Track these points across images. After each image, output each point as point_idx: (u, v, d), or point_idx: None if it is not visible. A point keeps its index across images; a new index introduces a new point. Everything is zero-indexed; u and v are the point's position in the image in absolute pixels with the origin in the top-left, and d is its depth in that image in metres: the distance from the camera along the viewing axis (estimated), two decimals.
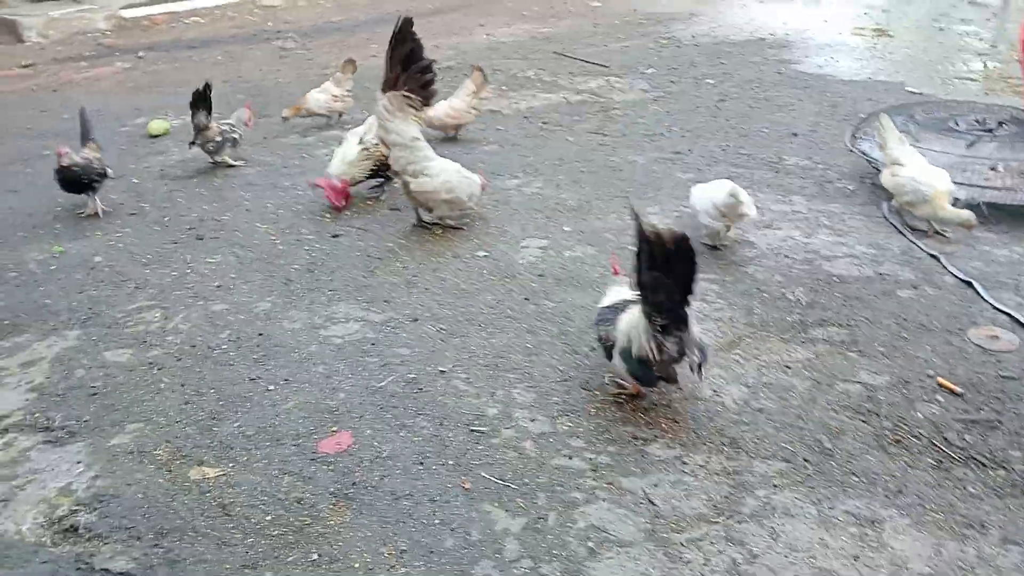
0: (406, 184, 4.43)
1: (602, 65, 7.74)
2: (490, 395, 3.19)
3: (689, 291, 2.73)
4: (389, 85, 4.33)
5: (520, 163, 5.54)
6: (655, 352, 2.82)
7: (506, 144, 5.91)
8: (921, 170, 4.26)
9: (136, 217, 4.87)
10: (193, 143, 5.43)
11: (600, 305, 3.25)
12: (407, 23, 4.33)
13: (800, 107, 6.37)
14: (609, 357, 3.06)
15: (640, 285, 2.79)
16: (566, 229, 4.57)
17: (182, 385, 3.30)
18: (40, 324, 3.79)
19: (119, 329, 3.71)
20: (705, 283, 3.94)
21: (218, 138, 5.41)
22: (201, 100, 5.29)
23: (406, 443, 2.94)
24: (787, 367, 3.33)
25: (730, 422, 3.00)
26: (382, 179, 5.02)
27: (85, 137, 4.98)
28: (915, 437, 2.94)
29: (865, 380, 3.24)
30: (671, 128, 6.09)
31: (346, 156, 4.85)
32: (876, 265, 4.06)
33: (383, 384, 3.28)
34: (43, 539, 2.59)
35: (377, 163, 4.88)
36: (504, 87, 7.24)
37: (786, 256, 4.17)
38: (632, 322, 2.92)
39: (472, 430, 3.00)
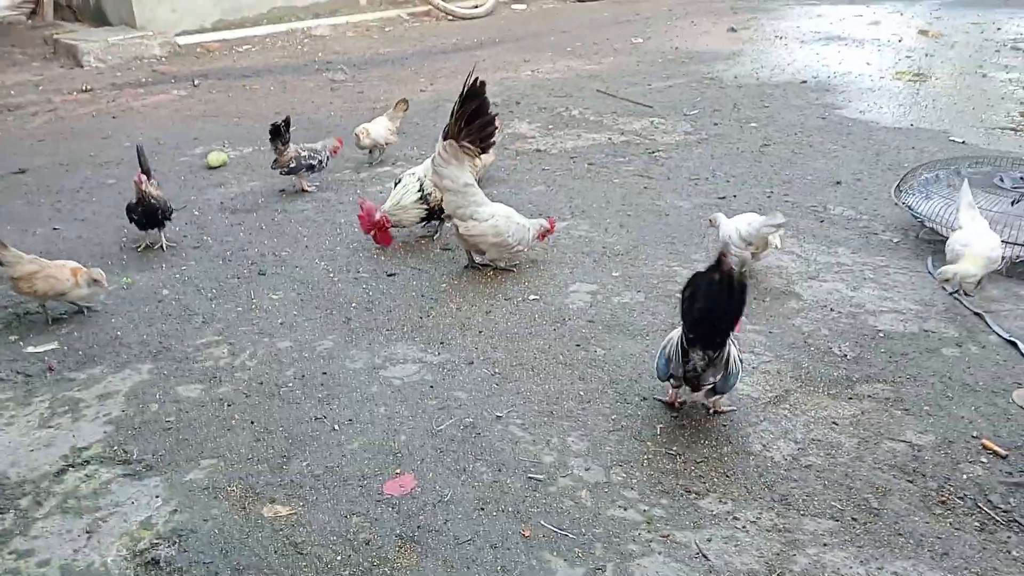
0: (456, 227, 4.60)
1: (646, 105, 7.89)
2: (545, 442, 3.32)
3: (724, 322, 3.05)
4: (451, 135, 4.50)
5: (567, 205, 5.69)
6: (680, 359, 3.18)
7: (553, 185, 6.06)
8: (970, 234, 4.30)
9: (199, 250, 5.07)
10: (273, 165, 5.85)
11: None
12: (479, 85, 4.54)
13: (843, 154, 6.46)
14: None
15: (682, 300, 3.10)
16: (615, 274, 4.70)
17: (252, 422, 3.46)
18: (113, 356, 3.98)
19: (189, 364, 3.89)
20: (753, 334, 4.05)
21: (292, 163, 5.74)
22: (276, 133, 5.70)
23: (467, 488, 3.08)
24: (834, 423, 3.42)
25: (780, 478, 3.10)
26: (438, 220, 5.17)
27: (148, 173, 5.12)
28: (960, 499, 3.02)
29: (911, 439, 3.32)
30: (715, 172, 6.21)
31: (402, 201, 5.01)
32: (921, 321, 4.14)
33: (442, 427, 3.42)
34: (127, 571, 2.74)
35: (428, 211, 5.05)
36: (550, 126, 7.41)
37: (832, 309, 4.27)
38: (677, 332, 3.27)
39: (530, 477, 3.12)
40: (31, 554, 2.82)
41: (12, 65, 10.22)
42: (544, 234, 4.80)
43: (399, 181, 5.14)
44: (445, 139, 4.57)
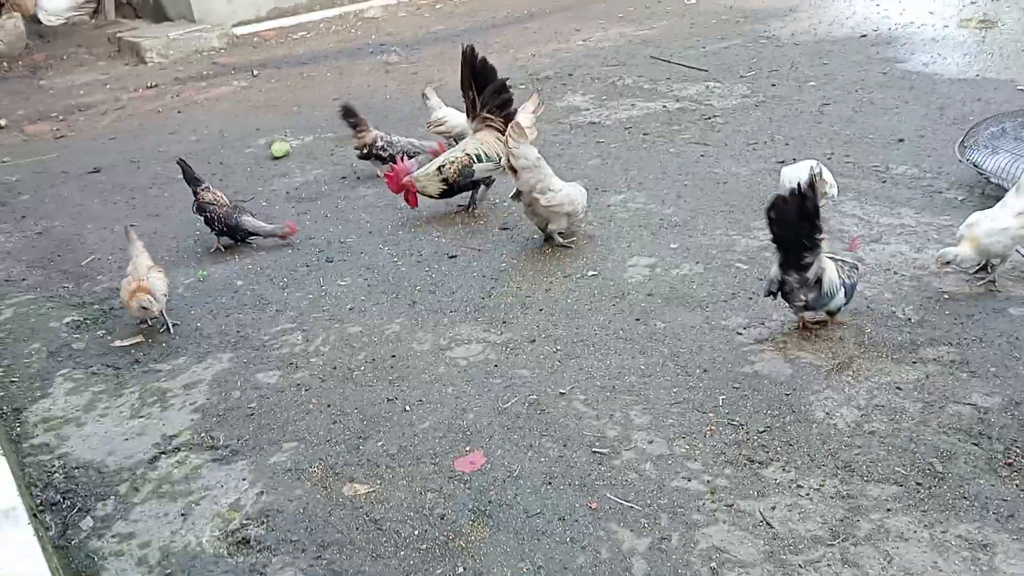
0: (535, 201, 4.67)
1: (701, 69, 7.81)
2: (609, 417, 3.41)
3: (804, 245, 3.50)
4: (470, 113, 4.82)
5: (623, 177, 5.71)
6: (776, 280, 3.64)
7: (608, 157, 6.08)
8: (985, 214, 3.99)
9: (269, 240, 5.26)
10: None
11: None
12: (469, 51, 4.94)
13: (906, 110, 6.32)
14: None
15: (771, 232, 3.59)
16: (672, 246, 4.73)
17: (328, 406, 3.64)
18: (195, 347, 4.20)
19: (267, 351, 4.08)
20: None
21: (364, 150, 5.93)
22: (347, 113, 6.04)
23: (534, 463, 3.19)
24: (898, 388, 3.43)
25: (843, 445, 3.14)
26: (472, 190, 5.35)
27: (196, 182, 5.19)
28: None
29: (976, 402, 3.31)
30: (774, 136, 6.14)
31: (428, 169, 5.22)
32: (987, 281, 4.08)
33: (508, 405, 3.54)
34: (221, 551, 2.94)
35: (446, 182, 5.19)
36: (604, 96, 7.40)
37: (895, 272, 4.23)
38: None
39: (594, 451, 3.22)
40: (132, 537, 3.04)
41: (80, 65, 10.60)
42: None
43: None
44: (470, 118, 4.84)
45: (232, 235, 5.12)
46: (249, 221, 5.09)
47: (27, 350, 4.31)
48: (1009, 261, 4.04)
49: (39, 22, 12.15)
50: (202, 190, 5.14)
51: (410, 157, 5.78)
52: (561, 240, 4.84)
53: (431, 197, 5.26)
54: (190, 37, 10.60)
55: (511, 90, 5.29)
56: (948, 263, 3.94)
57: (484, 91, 5.11)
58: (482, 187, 5.40)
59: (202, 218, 5.12)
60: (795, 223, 3.47)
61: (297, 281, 4.74)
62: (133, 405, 3.78)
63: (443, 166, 5.15)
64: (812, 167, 4.46)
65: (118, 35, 11.08)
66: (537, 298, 4.35)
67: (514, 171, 4.65)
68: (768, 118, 6.52)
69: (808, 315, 3.82)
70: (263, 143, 7.06)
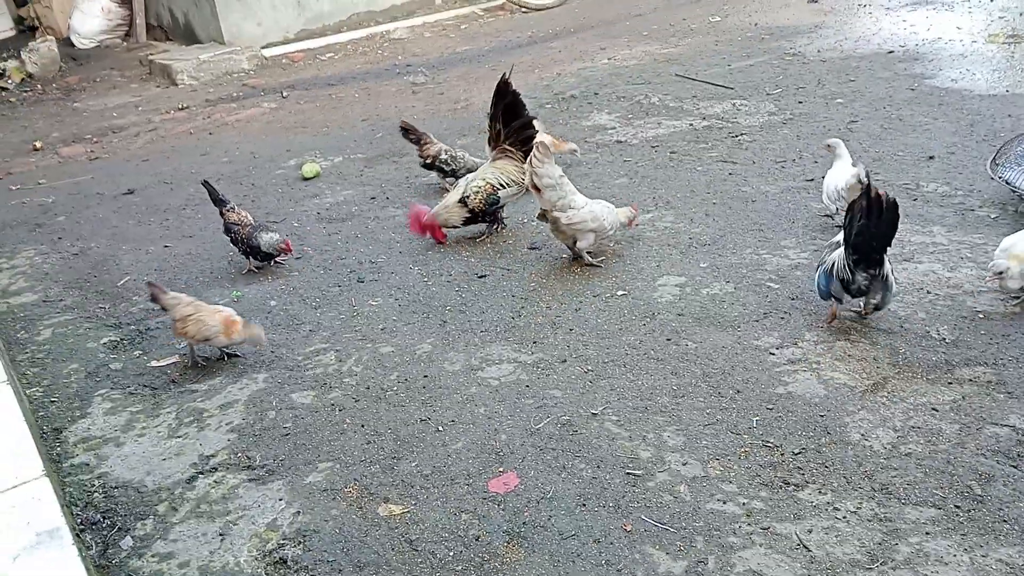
0: (556, 220, 4.72)
1: (727, 87, 7.82)
2: (642, 438, 3.41)
3: (887, 243, 3.66)
4: (492, 141, 5.16)
5: (651, 196, 5.73)
6: (848, 275, 3.76)
7: (635, 176, 6.10)
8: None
9: (301, 261, 5.33)
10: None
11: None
12: (504, 83, 5.04)
13: (935, 127, 6.29)
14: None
15: (852, 229, 3.68)
16: (702, 265, 4.73)
17: (362, 426, 3.67)
18: (230, 367, 4.25)
19: (301, 372, 4.13)
20: (847, 320, 4.04)
21: (428, 160, 6.05)
22: (405, 132, 6.19)
23: (568, 484, 3.20)
24: (934, 409, 3.40)
25: (879, 467, 3.12)
26: (489, 222, 5.38)
27: (221, 203, 5.26)
28: None
29: (1014, 423, 3.28)
30: (802, 154, 6.14)
31: (447, 202, 5.24)
32: (1021, 303, 4.04)
33: (540, 426, 3.55)
34: (258, 570, 2.97)
35: (472, 212, 5.22)
36: (630, 115, 7.43)
37: (928, 291, 4.21)
38: (840, 253, 3.83)
39: (628, 473, 3.22)
40: (172, 556, 3.08)
41: (112, 88, 10.81)
42: (631, 220, 4.96)
43: (455, 186, 5.41)
44: (491, 147, 4.97)
45: (255, 255, 5.16)
46: (262, 238, 5.09)
47: (66, 370, 4.38)
48: None
49: (72, 45, 12.44)
50: (227, 211, 5.23)
51: (449, 172, 6.01)
52: (590, 259, 4.86)
53: (455, 227, 5.32)
54: (220, 59, 10.77)
55: (535, 127, 5.34)
56: (1001, 274, 3.87)
57: (511, 124, 5.21)
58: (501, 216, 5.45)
59: (229, 239, 5.21)
60: (889, 227, 3.63)
61: (329, 301, 4.79)
62: (170, 425, 3.83)
63: (467, 196, 5.18)
64: (859, 173, 4.45)
65: (149, 57, 11.29)
66: (567, 318, 4.37)
67: (537, 190, 4.69)
68: (796, 135, 6.51)
69: (836, 309, 4.05)
70: (293, 164, 7.15)
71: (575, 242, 4.82)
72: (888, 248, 3.70)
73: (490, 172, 5.28)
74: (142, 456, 3.65)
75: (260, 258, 5.18)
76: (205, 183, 5.39)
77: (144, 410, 3.98)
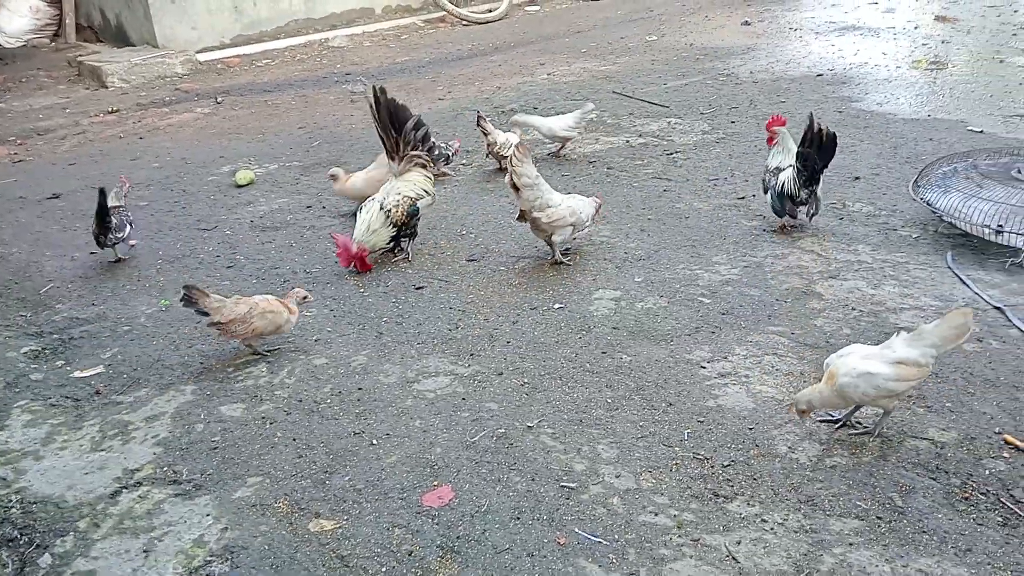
0: (536, 220, 4.82)
1: (662, 105, 7.96)
2: (576, 451, 3.43)
3: (826, 165, 4.88)
4: (392, 152, 5.17)
5: None
6: (798, 190, 4.92)
7: (573, 191, 6.13)
8: None
9: (232, 270, 5.23)
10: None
11: (766, 166, 5.30)
12: (380, 92, 5.11)
13: (861, 148, 6.51)
14: (765, 191, 5.21)
15: (799, 154, 4.89)
16: (637, 280, 4.80)
17: (293, 439, 3.60)
18: (157, 379, 4.14)
19: (230, 384, 4.04)
20: (775, 336, 4.14)
21: (436, 151, 5.93)
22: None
23: (502, 498, 3.20)
24: (858, 422, 3.50)
25: (805, 479, 3.20)
26: (393, 242, 5.21)
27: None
28: (983, 495, 3.10)
29: (933, 436, 3.40)
30: (734, 172, 6.28)
31: (371, 225, 5.02)
32: (941, 317, 4.19)
33: (476, 439, 3.54)
34: None
35: (396, 226, 5.10)
36: None
37: (853, 308, 4.34)
38: (788, 175, 4.98)
39: (562, 486, 3.24)
40: (93, 574, 2.98)
41: (39, 89, 10.46)
42: (598, 209, 5.16)
43: (359, 210, 5.15)
44: (394, 160, 5.18)
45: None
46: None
47: None
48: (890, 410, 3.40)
49: None
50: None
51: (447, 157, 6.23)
52: (561, 257, 4.99)
53: (383, 250, 5.18)
54: (153, 62, 10.53)
55: (426, 124, 5.36)
56: (804, 412, 3.34)
57: (404, 129, 5.17)
58: (410, 240, 5.31)
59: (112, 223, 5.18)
60: (829, 153, 4.85)
61: None
62: (94, 438, 3.71)
63: (388, 211, 5.05)
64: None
65: (79, 59, 10.97)
66: (504, 330, 4.38)
67: (516, 189, 4.75)
68: (728, 154, 6.66)
69: (791, 221, 5.17)
70: (227, 171, 7.02)
71: (551, 236, 4.91)
72: (826, 169, 4.89)
73: (402, 186, 5.18)
74: (63, 470, 3.52)
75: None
76: (101, 191, 5.18)
77: (66, 422, 3.85)
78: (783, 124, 5.35)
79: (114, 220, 5.20)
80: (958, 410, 3.54)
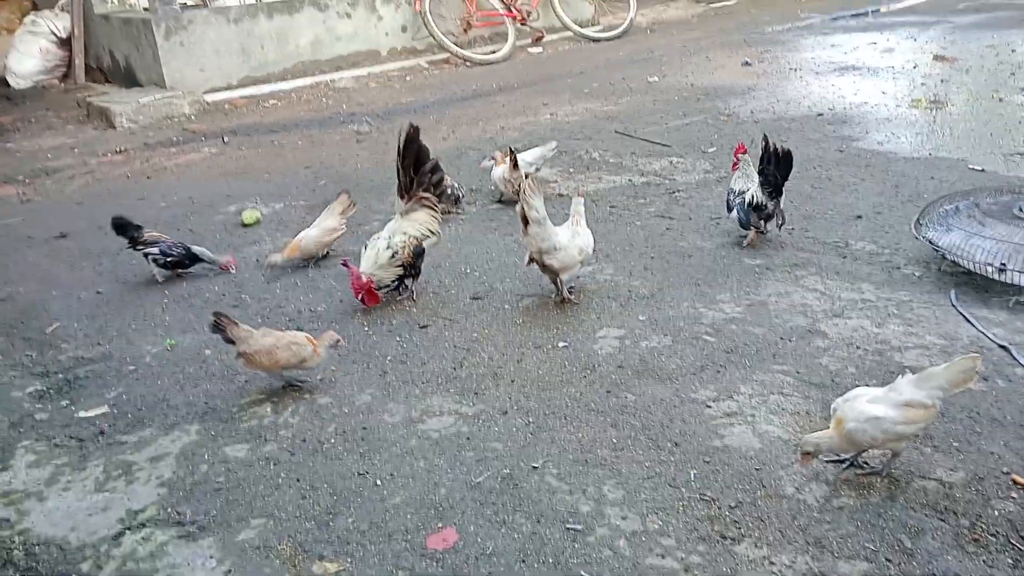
0: (543, 260, 4.82)
1: (664, 145, 8.03)
2: (582, 492, 3.41)
3: (786, 178, 5.35)
4: (404, 189, 5.18)
5: None
6: (764, 201, 5.37)
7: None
8: None
9: (238, 309, 5.25)
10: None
11: (730, 189, 5.72)
12: (413, 130, 5.18)
13: (863, 187, 6.55)
14: (730, 210, 5.64)
15: (761, 171, 5.38)
16: (641, 318, 4.80)
17: (297, 480, 3.59)
18: (162, 418, 4.14)
19: (235, 424, 4.04)
20: (780, 375, 4.14)
21: (448, 191, 6.24)
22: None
23: (507, 540, 3.18)
24: (865, 463, 3.48)
25: (813, 521, 3.18)
26: (398, 281, 5.19)
27: (136, 228, 5.71)
28: (992, 535, 3.07)
29: (941, 476, 3.38)
30: None
31: (378, 260, 5.02)
32: (947, 356, 4.19)
33: (481, 480, 3.53)
34: None
35: (402, 266, 5.09)
36: (571, 169, 7.57)
37: (858, 347, 4.34)
38: (754, 189, 5.42)
39: (568, 528, 3.22)
40: None
41: (48, 129, 10.59)
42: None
43: (366, 246, 5.14)
44: (402, 197, 5.16)
45: (182, 263, 5.61)
46: (197, 248, 5.67)
47: None
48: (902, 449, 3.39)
49: (7, 85, 12.18)
50: (144, 233, 5.64)
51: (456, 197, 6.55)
52: (568, 295, 5.02)
53: (387, 288, 5.16)
54: (161, 103, 10.66)
55: (443, 170, 5.53)
56: (808, 456, 3.31)
57: (422, 170, 5.26)
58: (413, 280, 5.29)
59: (153, 254, 5.56)
60: (787, 167, 5.34)
61: None
62: (97, 479, 3.70)
63: (395, 253, 5.04)
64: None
65: (88, 99, 11.11)
66: (509, 369, 4.38)
67: (525, 222, 4.73)
68: None
69: (756, 235, 5.61)
70: (233, 210, 7.08)
71: (559, 275, 4.94)
72: (787, 182, 5.37)
73: (407, 225, 5.19)
74: (66, 511, 3.51)
75: (186, 265, 5.65)
76: (116, 219, 5.58)
77: (70, 463, 3.84)
78: (745, 152, 5.80)
79: (154, 242, 5.64)
80: (965, 450, 3.52)
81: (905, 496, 3.28)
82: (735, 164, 5.74)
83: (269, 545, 3.23)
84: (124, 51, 11.76)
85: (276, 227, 6.68)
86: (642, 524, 3.21)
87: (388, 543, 3.20)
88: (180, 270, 5.72)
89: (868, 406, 3.27)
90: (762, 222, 5.53)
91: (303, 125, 9.93)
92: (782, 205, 5.49)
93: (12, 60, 12.28)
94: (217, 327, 4.09)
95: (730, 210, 5.61)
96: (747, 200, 5.45)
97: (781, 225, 5.57)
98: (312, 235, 5.76)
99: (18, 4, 13.61)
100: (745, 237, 5.65)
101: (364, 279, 5.01)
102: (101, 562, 3.20)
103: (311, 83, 11.80)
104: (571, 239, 4.90)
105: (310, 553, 3.17)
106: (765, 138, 5.40)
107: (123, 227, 5.69)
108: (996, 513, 3.17)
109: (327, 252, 5.90)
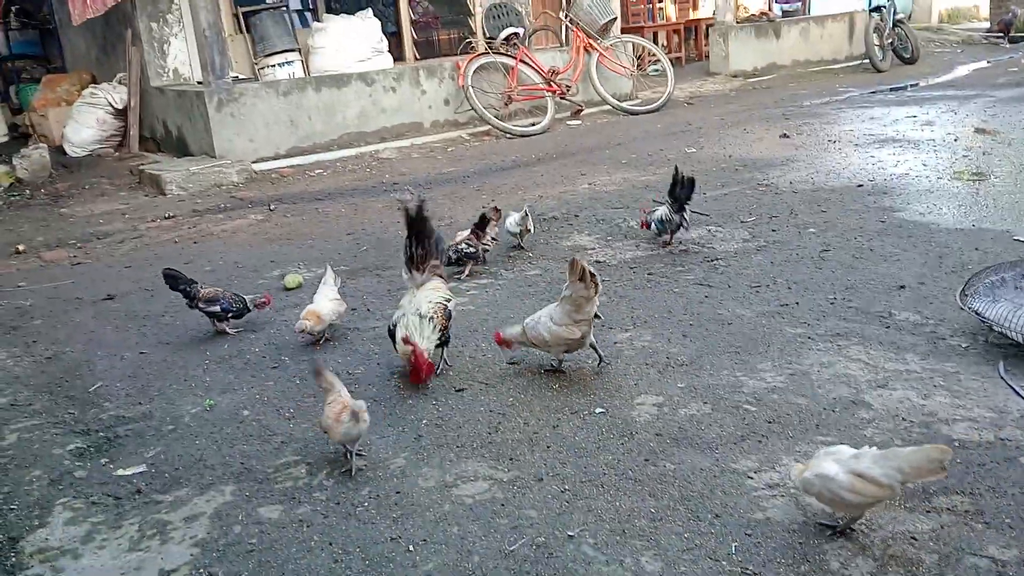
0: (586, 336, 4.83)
1: (702, 214, 8.04)
2: (619, 563, 3.33)
3: (688, 198, 6.84)
4: (415, 262, 5.16)
5: (629, 315, 5.79)
6: (674, 215, 6.87)
7: (614, 296, 6.19)
8: None
9: (277, 371, 5.29)
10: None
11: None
12: (418, 207, 5.20)
13: (905, 258, 6.47)
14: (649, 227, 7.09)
15: (671, 193, 6.81)
16: (680, 385, 4.74)
17: (330, 543, 3.56)
18: (198, 478, 4.15)
19: (270, 485, 4.03)
20: (824, 446, 4.02)
21: (462, 252, 6.84)
22: (479, 225, 6.95)
23: None
24: (913, 538, 3.36)
25: None
26: (446, 343, 5.13)
27: (190, 283, 5.91)
28: None
29: (993, 554, 3.25)
30: (776, 279, 6.27)
31: (423, 332, 4.91)
32: (996, 429, 4.07)
33: (515, 547, 3.46)
34: None
35: (441, 331, 5.00)
36: (609, 236, 7.60)
37: (904, 419, 4.23)
38: (664, 209, 6.92)
39: None
40: None
41: (101, 195, 10.96)
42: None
43: (395, 327, 5.01)
44: (416, 270, 5.15)
45: (241, 315, 5.90)
46: (249, 297, 6.00)
47: (28, 477, 4.26)
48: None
49: (64, 153, 12.68)
50: (200, 289, 5.85)
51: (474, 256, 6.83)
52: (598, 351, 5.02)
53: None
54: (210, 171, 10.99)
55: (444, 239, 5.62)
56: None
57: (431, 242, 5.22)
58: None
59: (216, 313, 5.80)
60: (691, 190, 6.82)
61: (303, 412, 4.73)
62: (132, 537, 3.70)
63: (432, 318, 4.97)
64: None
65: (140, 167, 11.51)
66: (544, 435, 4.34)
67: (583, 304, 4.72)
68: (770, 262, 6.67)
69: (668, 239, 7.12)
70: (277, 274, 7.20)
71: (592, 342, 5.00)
72: (690, 201, 6.85)
73: (432, 295, 5.13)
74: (100, 569, 3.51)
75: (243, 315, 5.92)
76: (167, 271, 5.84)
77: (106, 520, 3.86)
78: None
79: (214, 300, 5.86)
80: (1018, 526, 3.38)
81: (955, 573, 3.15)
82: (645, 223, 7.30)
83: None
84: (177, 122, 12.21)
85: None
86: None
87: None
88: (238, 319, 6.01)
89: (826, 462, 3.28)
90: (674, 234, 7.08)
91: (347, 193, 10.15)
92: (687, 217, 6.94)
93: (70, 130, 12.81)
94: (317, 372, 4.33)
95: (649, 226, 7.20)
96: (660, 217, 7.02)
97: (686, 229, 7.09)
98: (329, 307, 5.66)
99: (78, 77, 14.23)
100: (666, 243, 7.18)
101: (424, 357, 4.83)
102: None
103: (356, 153, 12.11)
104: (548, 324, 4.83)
105: None
106: (676, 169, 6.98)
107: (174, 279, 5.84)
108: None
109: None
